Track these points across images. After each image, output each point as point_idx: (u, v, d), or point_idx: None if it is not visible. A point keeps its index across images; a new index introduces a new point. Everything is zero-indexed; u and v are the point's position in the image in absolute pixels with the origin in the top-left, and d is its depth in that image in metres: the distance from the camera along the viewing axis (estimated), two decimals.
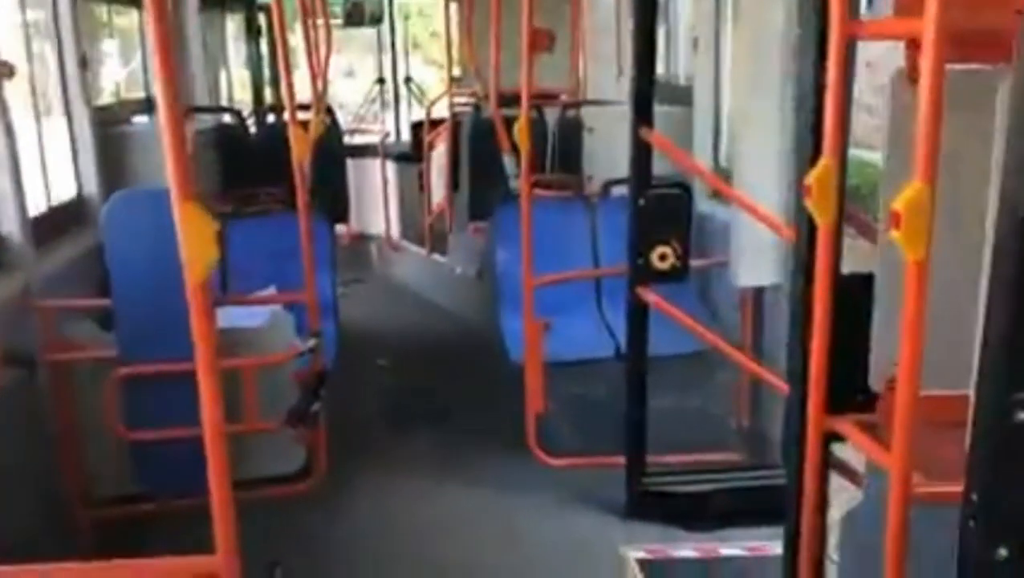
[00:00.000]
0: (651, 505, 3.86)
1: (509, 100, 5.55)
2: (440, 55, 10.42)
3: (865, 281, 2.00)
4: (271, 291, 4.41)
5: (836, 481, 2.59)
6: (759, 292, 4.02)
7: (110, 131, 4.64)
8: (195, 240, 1.67)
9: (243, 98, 7.89)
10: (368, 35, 9.47)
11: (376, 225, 8.41)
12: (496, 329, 4.92)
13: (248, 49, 7.23)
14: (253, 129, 6.12)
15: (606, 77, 6.65)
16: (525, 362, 4.04)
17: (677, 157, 3.70)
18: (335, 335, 4.55)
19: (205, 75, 6.53)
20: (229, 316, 3.80)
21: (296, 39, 6.35)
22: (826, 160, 1.95)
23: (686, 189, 3.65)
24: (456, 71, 7.11)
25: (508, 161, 4.84)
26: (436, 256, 7.38)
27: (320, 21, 5.61)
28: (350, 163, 8.23)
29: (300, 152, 3.70)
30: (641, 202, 3.59)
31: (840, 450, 2.60)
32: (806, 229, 2.10)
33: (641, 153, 3.56)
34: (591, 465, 4.12)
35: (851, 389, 2.18)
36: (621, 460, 3.87)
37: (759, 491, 3.89)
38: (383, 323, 6.94)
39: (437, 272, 7.32)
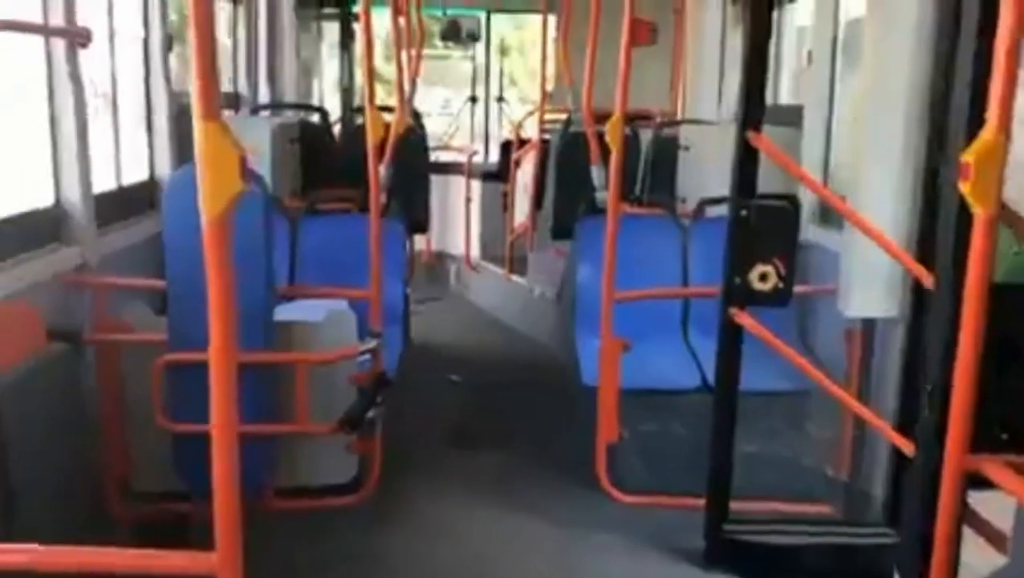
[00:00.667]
0: (733, 555, 3.44)
1: (601, 118, 5.28)
2: (534, 91, 10.24)
3: None
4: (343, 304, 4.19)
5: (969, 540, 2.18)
6: (869, 326, 3.58)
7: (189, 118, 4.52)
8: (215, 166, 1.42)
9: (335, 105, 7.83)
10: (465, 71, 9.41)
11: (457, 245, 8.19)
12: (571, 353, 4.60)
13: (340, 55, 7.14)
14: (338, 131, 5.97)
15: (706, 100, 6.33)
16: (599, 385, 3.69)
17: (788, 167, 3.33)
18: (401, 342, 4.29)
19: (298, 78, 6.46)
20: (290, 311, 3.59)
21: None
22: (989, 135, 1.59)
23: (793, 203, 3.27)
24: (549, 87, 6.86)
25: (597, 173, 4.53)
26: (515, 277, 7.10)
27: (413, 18, 5.47)
28: (435, 180, 8.04)
29: (375, 134, 3.48)
30: (743, 213, 3.22)
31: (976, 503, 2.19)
32: (954, 223, 1.74)
33: (746, 159, 3.21)
34: (666, 505, 3.72)
35: (996, 425, 1.80)
36: (700, 502, 3.48)
37: (856, 550, 3.45)
38: (454, 341, 6.68)
39: (515, 293, 7.03)
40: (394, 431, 3.87)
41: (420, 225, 5.97)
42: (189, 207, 3.19)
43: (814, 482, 3.71)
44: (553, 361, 5.49)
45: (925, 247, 3.25)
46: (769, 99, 6.16)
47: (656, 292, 4.17)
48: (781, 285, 3.25)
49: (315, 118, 5.76)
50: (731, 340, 3.34)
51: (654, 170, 5.56)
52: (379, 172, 3.84)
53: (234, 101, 5.71)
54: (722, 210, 4.58)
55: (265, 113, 5.92)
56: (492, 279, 7.55)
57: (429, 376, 5.56)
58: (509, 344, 6.56)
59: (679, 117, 6.47)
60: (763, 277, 3.25)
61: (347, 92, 6.74)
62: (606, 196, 4.49)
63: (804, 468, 3.74)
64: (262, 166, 4.58)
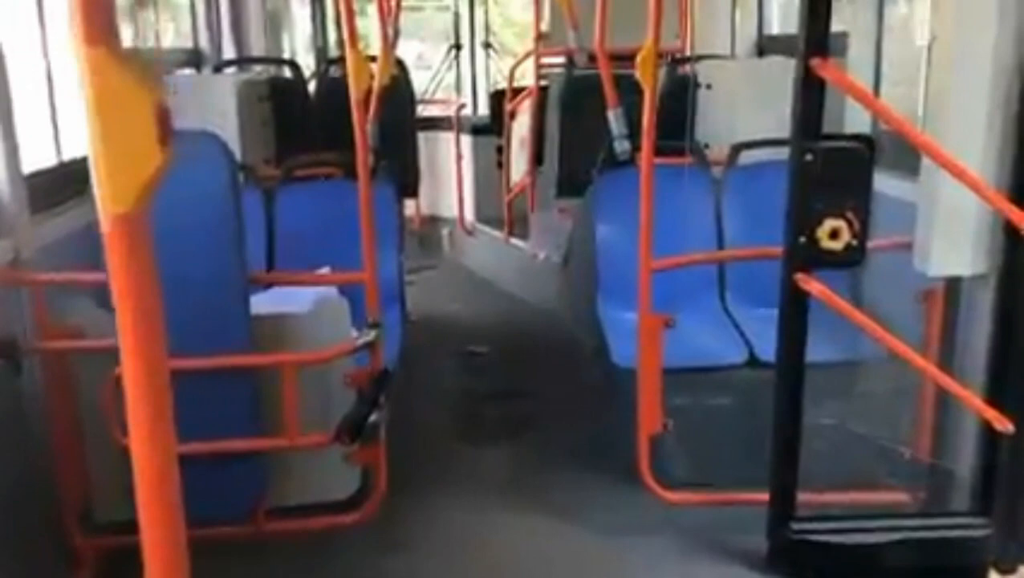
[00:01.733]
0: (802, 557, 2.97)
1: (611, 58, 4.73)
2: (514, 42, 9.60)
3: None
4: (325, 271, 3.63)
5: None
6: (953, 286, 3.06)
7: None
8: (114, 125, 0.90)
9: (309, 63, 7.17)
10: (444, 22, 8.72)
11: (449, 207, 7.62)
12: (587, 324, 4.07)
13: (312, 6, 6.48)
14: (313, 88, 5.33)
15: (719, 34, 5.73)
16: (639, 368, 3.16)
17: (864, 100, 2.78)
18: (400, 327, 3.75)
19: (265, 31, 5.81)
20: (270, 302, 3.03)
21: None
22: None
23: (869, 144, 2.72)
24: (544, 26, 6.22)
25: (615, 119, 3.94)
26: (515, 240, 6.54)
27: None
28: (421, 137, 7.42)
29: (360, 84, 2.91)
30: (808, 158, 2.67)
31: None
32: None
33: (809, 92, 2.65)
34: (719, 502, 3.23)
35: None
36: (759, 497, 2.99)
37: (943, 544, 2.98)
38: (455, 315, 6.14)
39: (516, 258, 6.48)
40: (397, 429, 3.35)
41: (410, 188, 5.37)
42: None
43: (893, 468, 3.22)
44: (566, 332, 4.96)
45: (1021, 193, 2.73)
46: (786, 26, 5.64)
47: (698, 257, 3.62)
48: (855, 242, 2.72)
49: (286, 74, 5.13)
50: (797, 310, 2.81)
51: (669, 113, 4.98)
52: (365, 129, 3.30)
53: (195, 58, 5.08)
54: (759, 156, 4.05)
55: (231, 70, 5.31)
56: (490, 243, 6.99)
57: (431, 356, 5.04)
58: (514, 314, 6.03)
59: (688, 53, 5.86)
60: (834, 234, 2.71)
61: (321, 43, 6.09)
62: (626, 145, 3.94)
63: (879, 451, 3.24)
64: (227, 130, 3.99)
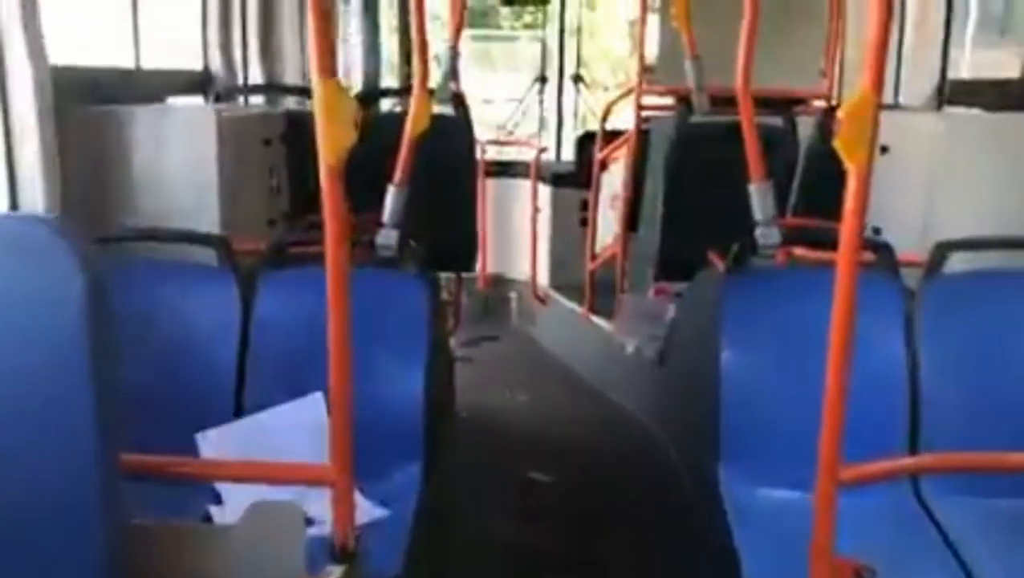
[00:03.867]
0: None
1: (729, 103, 3.50)
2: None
3: None
4: (316, 398, 2.48)
5: None
6: None
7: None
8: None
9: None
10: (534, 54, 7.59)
11: (520, 267, 6.39)
12: (696, 473, 2.81)
13: (365, 23, 5.37)
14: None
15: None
16: None
17: None
18: (416, 499, 2.49)
19: (304, 50, 4.70)
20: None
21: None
22: None
23: None
24: (649, 58, 4.96)
25: (760, 196, 2.64)
26: (598, 320, 5.26)
27: None
28: (491, 185, 6.27)
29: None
30: None
31: None
32: None
33: None
34: None
35: None
36: None
37: None
38: (516, 413, 4.89)
39: (598, 341, 5.21)
40: None
41: (463, 257, 4.13)
42: None
43: None
44: (663, 460, 3.67)
45: None
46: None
47: (896, 465, 2.26)
48: None
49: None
50: None
51: (817, 184, 3.66)
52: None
53: (202, 82, 3.99)
54: (978, 260, 2.72)
55: (259, 99, 4.23)
56: (566, 317, 5.73)
57: (477, 479, 3.80)
58: (593, 420, 4.75)
59: (835, 99, 4.54)
60: None
61: (373, 68, 4.96)
62: (775, 236, 2.65)
63: None
64: (199, 183, 2.86)
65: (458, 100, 3.77)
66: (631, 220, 4.80)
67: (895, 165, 3.26)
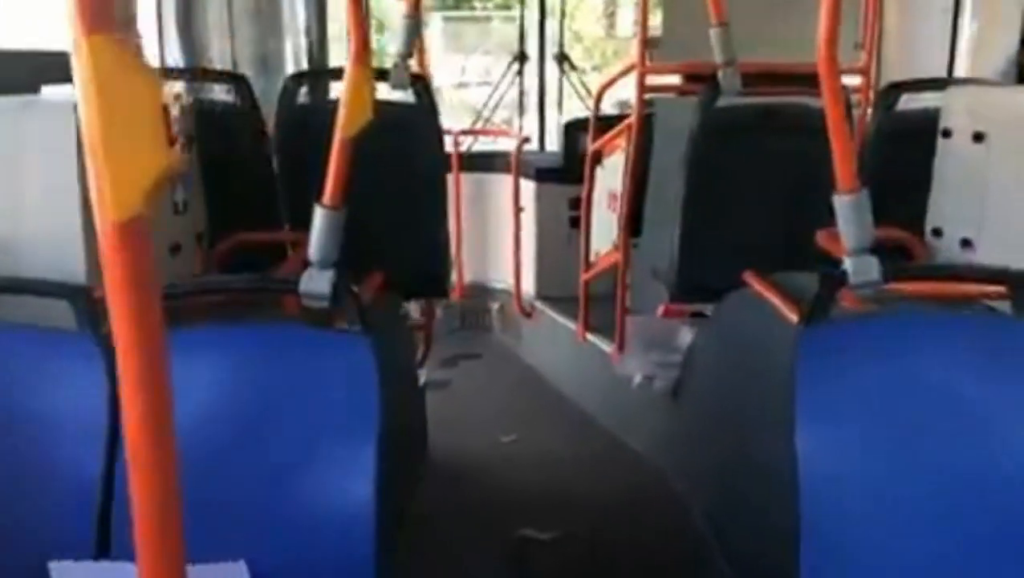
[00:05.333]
0: None
1: (759, 80, 2.82)
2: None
3: None
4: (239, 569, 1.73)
5: None
6: None
7: None
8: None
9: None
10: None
11: (501, 275, 5.61)
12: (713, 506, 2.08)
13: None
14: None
15: (928, 45, 3.65)
16: None
17: None
18: None
19: (232, 27, 3.88)
20: None
21: None
22: None
23: None
24: (653, 28, 4.13)
25: (851, 211, 1.84)
26: (595, 338, 4.49)
27: None
28: (466, 181, 5.47)
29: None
30: None
31: None
32: None
33: None
34: None
35: None
36: None
37: None
38: (503, 453, 4.13)
39: (597, 365, 4.44)
40: None
41: (434, 280, 3.28)
42: None
43: None
44: (675, 509, 2.95)
45: None
46: None
47: None
48: None
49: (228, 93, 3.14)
50: None
51: (885, 182, 2.89)
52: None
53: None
54: None
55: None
56: (557, 334, 4.96)
57: (455, 542, 3.06)
58: (594, 458, 4.00)
59: (872, 73, 3.78)
60: None
61: (319, 49, 4.13)
62: (870, 264, 1.88)
63: None
64: (61, 207, 2.05)
65: (419, 83, 2.94)
66: (633, 224, 4.02)
67: (994, 157, 2.50)
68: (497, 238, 5.58)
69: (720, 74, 2.87)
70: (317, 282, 1.84)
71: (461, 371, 5.19)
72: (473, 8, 20.20)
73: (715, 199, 2.95)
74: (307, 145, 2.87)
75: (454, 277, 5.52)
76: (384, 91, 2.85)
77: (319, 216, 1.86)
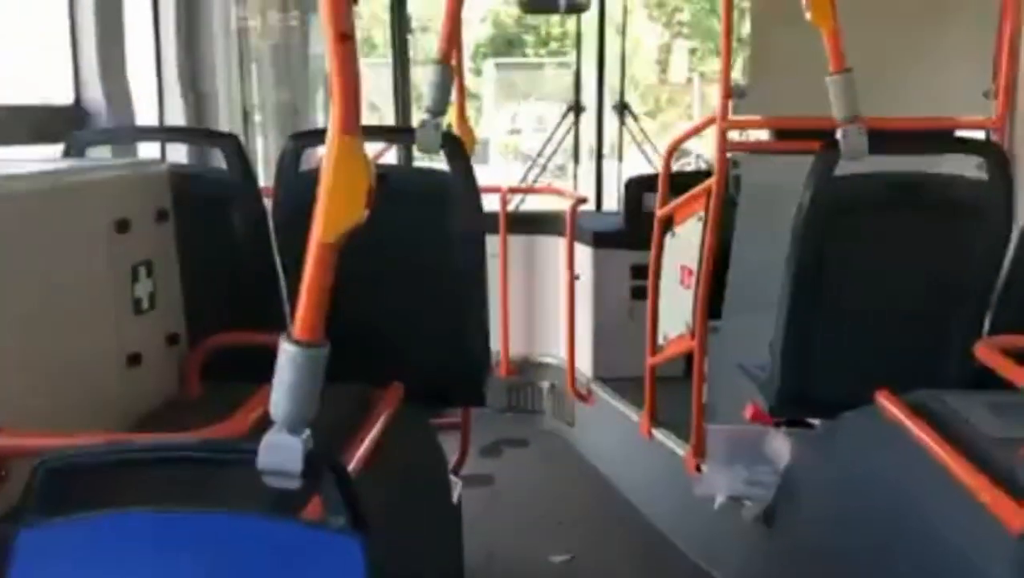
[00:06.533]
0: None
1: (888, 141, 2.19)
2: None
3: None
4: None
5: None
6: None
7: None
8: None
9: None
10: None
11: (553, 349, 4.97)
12: None
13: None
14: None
15: None
16: None
17: None
18: None
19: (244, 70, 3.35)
20: None
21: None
22: None
23: None
24: (737, 75, 3.48)
25: None
26: (664, 437, 3.82)
27: None
28: (514, 243, 4.88)
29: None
30: None
31: None
32: None
33: None
34: None
35: None
36: None
37: None
38: (554, 574, 3.45)
39: (666, 470, 3.76)
40: None
41: (468, 384, 2.56)
42: None
43: None
44: None
45: None
46: None
47: None
48: None
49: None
50: None
51: None
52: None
53: (70, 120, 2.63)
54: None
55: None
56: (618, 424, 4.29)
57: None
58: None
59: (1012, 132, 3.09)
60: None
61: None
62: None
63: None
64: None
65: (454, 148, 2.31)
66: (711, 304, 3.36)
67: None
68: (549, 308, 4.95)
69: (840, 133, 2.22)
70: (282, 453, 1.23)
71: (505, 463, 4.53)
72: (525, 55, 19.87)
73: (832, 292, 2.29)
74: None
75: (499, 350, 4.92)
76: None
77: (285, 355, 1.26)
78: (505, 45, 20.73)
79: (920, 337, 2.24)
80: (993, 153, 2.21)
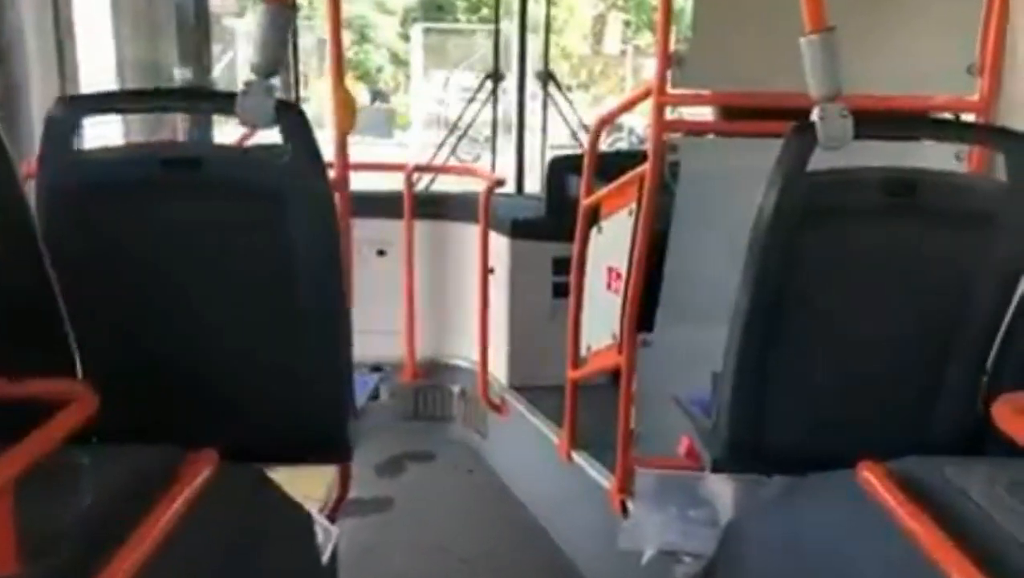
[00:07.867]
0: None
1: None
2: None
3: None
4: None
5: None
6: None
7: None
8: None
9: None
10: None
11: (464, 349, 4.40)
12: None
13: None
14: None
15: None
16: None
17: None
18: None
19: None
20: None
21: None
22: None
23: None
24: (675, 42, 2.89)
25: None
26: (584, 462, 3.29)
27: None
28: (421, 229, 4.28)
29: None
30: None
31: None
32: None
33: None
34: None
35: None
36: None
37: None
38: None
39: (587, 499, 3.24)
40: None
41: (326, 440, 1.91)
42: None
43: None
44: None
45: None
46: None
47: None
48: None
49: None
50: None
51: None
52: None
53: None
54: None
55: None
56: (534, 442, 3.74)
57: None
58: None
59: (998, 112, 2.60)
60: None
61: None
62: None
63: None
64: None
65: (293, 121, 1.64)
66: (644, 315, 2.82)
67: None
68: (460, 305, 4.36)
69: (817, 113, 1.66)
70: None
71: (407, 483, 3.97)
72: (456, 20, 19.09)
73: (799, 320, 1.75)
74: (102, 224, 1.66)
75: (404, 355, 4.33)
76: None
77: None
78: (435, 9, 19.92)
79: (908, 379, 1.74)
80: (1018, 146, 1.70)
